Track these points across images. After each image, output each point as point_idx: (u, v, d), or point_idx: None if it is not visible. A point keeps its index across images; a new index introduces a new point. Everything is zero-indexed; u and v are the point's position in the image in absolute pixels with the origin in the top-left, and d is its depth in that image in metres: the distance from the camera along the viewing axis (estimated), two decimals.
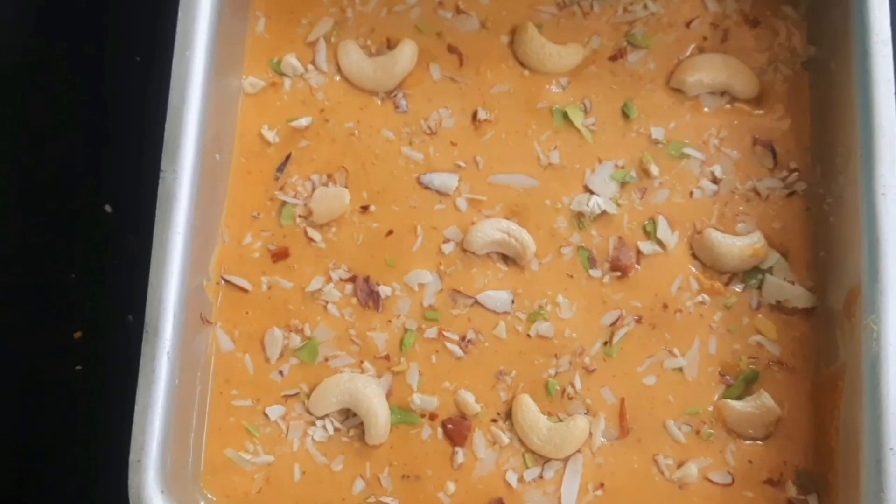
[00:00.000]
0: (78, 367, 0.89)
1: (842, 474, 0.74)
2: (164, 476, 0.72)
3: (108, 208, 0.91)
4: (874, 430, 0.70)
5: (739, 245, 0.80)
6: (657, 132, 0.84)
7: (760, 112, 0.85)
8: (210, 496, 0.77)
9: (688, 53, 0.86)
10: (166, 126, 0.77)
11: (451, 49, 0.87)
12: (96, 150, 0.93)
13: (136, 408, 0.72)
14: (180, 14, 0.80)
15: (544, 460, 0.78)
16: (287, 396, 0.80)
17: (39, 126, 0.93)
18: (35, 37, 0.95)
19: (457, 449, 0.78)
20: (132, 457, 0.71)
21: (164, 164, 0.76)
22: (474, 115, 0.85)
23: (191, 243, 0.76)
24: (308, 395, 0.80)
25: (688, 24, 0.87)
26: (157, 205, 0.76)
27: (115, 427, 0.76)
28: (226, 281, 0.81)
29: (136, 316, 0.83)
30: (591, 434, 0.78)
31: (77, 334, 0.89)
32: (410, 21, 0.87)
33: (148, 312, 0.74)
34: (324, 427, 0.79)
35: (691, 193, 0.83)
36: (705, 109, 0.85)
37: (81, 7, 0.95)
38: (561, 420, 0.79)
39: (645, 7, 0.87)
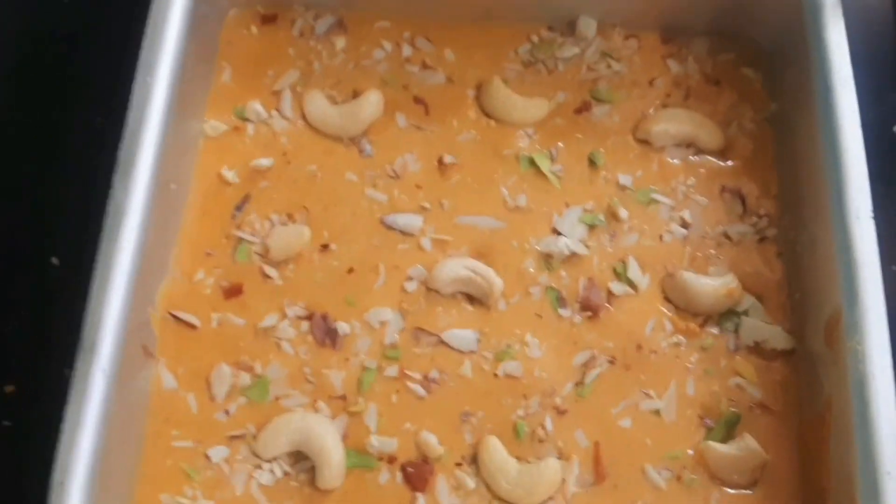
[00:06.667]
0: (6, 423, 0.81)
1: None
2: (89, 502, 0.64)
3: (54, 260, 0.87)
4: (867, 454, 0.66)
5: (713, 285, 0.78)
6: (624, 179, 0.83)
7: (727, 164, 0.85)
8: None
9: (651, 109, 0.87)
10: (121, 146, 0.75)
11: (417, 100, 0.86)
12: (46, 201, 0.89)
13: (64, 426, 0.66)
14: (142, 54, 0.79)
15: None
16: (232, 437, 0.73)
17: None
18: None
19: (417, 494, 0.72)
20: (55, 478, 0.64)
21: (115, 181, 0.73)
22: (440, 160, 0.84)
23: (138, 265, 0.72)
24: (255, 437, 0.73)
25: (650, 83, 0.88)
26: (105, 220, 0.72)
27: (38, 488, 0.69)
28: (173, 316, 0.76)
29: (72, 370, 0.77)
30: (564, 480, 0.72)
31: (9, 388, 0.83)
32: (377, 74, 0.87)
33: (85, 329, 0.68)
34: (271, 470, 0.72)
35: (661, 237, 0.81)
36: (671, 160, 0.85)
37: (46, 63, 0.95)
38: (531, 463, 0.72)
39: (608, 66, 0.88)
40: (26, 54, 0.96)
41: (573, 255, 0.80)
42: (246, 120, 0.85)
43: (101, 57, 0.95)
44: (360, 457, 0.73)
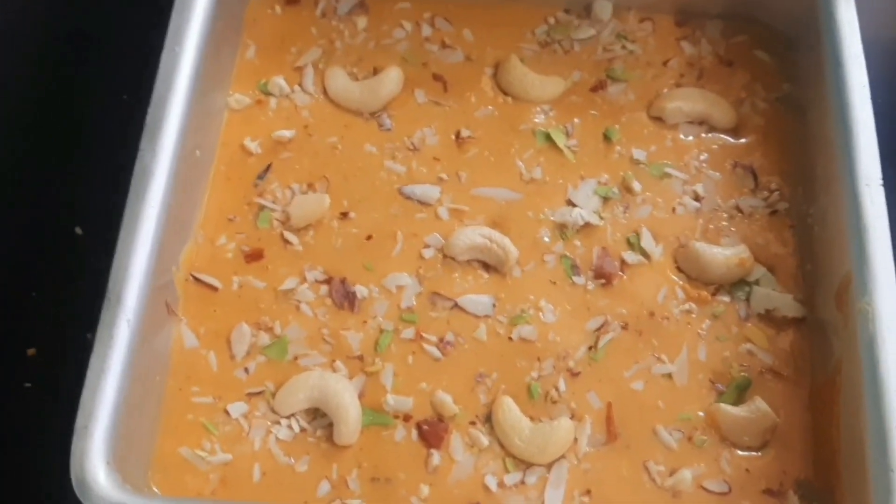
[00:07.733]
0: (27, 385, 0.83)
1: (845, 470, 0.69)
2: (111, 448, 0.65)
3: (78, 230, 0.89)
4: (876, 413, 0.66)
5: (725, 255, 0.79)
6: (638, 153, 0.85)
7: (740, 141, 0.86)
8: (156, 491, 0.70)
9: (665, 88, 0.88)
10: (149, 111, 0.77)
11: (436, 77, 0.88)
12: (70, 174, 0.91)
13: (89, 373, 0.67)
14: (171, 25, 0.81)
15: (526, 465, 0.72)
16: (251, 394, 0.75)
17: (16, 146, 0.93)
18: (19, 61, 0.96)
19: (432, 451, 0.73)
20: (79, 423, 0.65)
21: (143, 144, 0.75)
22: (457, 134, 0.85)
23: (163, 224, 0.74)
24: (274, 395, 0.74)
25: (665, 63, 0.90)
26: (132, 182, 0.74)
27: (56, 445, 0.70)
28: (195, 279, 0.78)
29: (95, 334, 0.79)
30: (576, 440, 0.73)
31: (30, 351, 0.84)
32: (397, 53, 0.90)
33: (112, 279, 0.70)
34: (289, 426, 0.73)
35: (674, 209, 0.83)
36: (684, 137, 0.86)
37: (72, 42, 0.97)
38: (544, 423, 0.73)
39: (623, 47, 0.90)
40: (53, 33, 0.98)
41: (587, 225, 0.81)
42: (269, 94, 0.87)
43: (128, 38, 0.98)
44: (376, 415, 0.74)
